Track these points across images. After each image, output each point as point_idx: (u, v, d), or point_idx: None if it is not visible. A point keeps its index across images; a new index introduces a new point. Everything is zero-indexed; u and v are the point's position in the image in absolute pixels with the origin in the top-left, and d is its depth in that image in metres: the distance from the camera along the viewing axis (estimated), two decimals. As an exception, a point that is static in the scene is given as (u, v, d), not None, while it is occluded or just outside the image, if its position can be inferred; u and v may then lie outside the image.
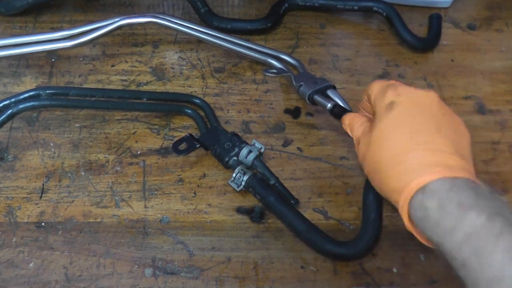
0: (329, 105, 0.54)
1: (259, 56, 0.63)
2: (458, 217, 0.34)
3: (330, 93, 0.57)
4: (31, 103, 0.54)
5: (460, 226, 0.33)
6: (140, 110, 0.60)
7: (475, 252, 0.32)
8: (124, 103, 0.59)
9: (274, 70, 0.60)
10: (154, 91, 0.63)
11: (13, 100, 0.55)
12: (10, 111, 0.53)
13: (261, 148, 0.54)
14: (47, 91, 0.57)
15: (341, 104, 0.55)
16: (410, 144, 0.39)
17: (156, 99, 0.61)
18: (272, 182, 0.52)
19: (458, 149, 0.39)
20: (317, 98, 0.56)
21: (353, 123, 0.48)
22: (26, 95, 0.56)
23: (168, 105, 0.61)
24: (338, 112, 0.53)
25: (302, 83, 0.58)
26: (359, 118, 0.48)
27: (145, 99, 0.60)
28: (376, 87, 0.46)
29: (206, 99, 0.62)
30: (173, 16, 0.65)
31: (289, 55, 0.64)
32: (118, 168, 0.56)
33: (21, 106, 0.54)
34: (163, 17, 0.64)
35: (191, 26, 0.64)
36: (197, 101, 0.60)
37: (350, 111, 0.52)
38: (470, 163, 0.40)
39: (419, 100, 0.42)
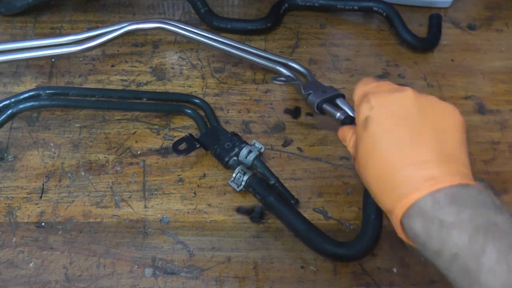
0: (338, 115, 0.53)
1: (268, 64, 0.62)
2: (442, 239, 0.33)
3: (339, 102, 0.55)
4: (31, 103, 0.54)
5: (446, 248, 0.33)
6: (140, 110, 0.60)
7: (462, 273, 0.32)
8: (124, 103, 0.59)
9: (283, 78, 0.59)
10: (154, 91, 0.63)
11: (13, 100, 0.56)
12: (10, 111, 0.53)
13: (261, 148, 0.54)
14: (47, 91, 0.57)
15: (350, 113, 0.53)
16: (390, 162, 0.38)
17: (156, 99, 0.61)
18: (272, 182, 0.52)
19: (443, 149, 0.38)
20: (326, 107, 0.55)
21: (344, 136, 0.47)
22: (26, 95, 0.56)
23: (168, 105, 0.61)
24: (348, 123, 0.51)
25: (310, 92, 0.57)
26: (349, 131, 0.47)
27: (145, 99, 0.60)
28: (356, 95, 0.44)
29: (206, 99, 0.62)
30: (180, 22, 0.65)
31: (298, 63, 0.63)
32: (118, 168, 0.56)
33: (21, 106, 0.54)
34: (171, 23, 0.63)
35: (199, 33, 0.64)
36: (197, 101, 0.60)
37: None
38: (458, 159, 0.38)
39: (393, 107, 0.40)
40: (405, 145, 0.38)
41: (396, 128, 0.39)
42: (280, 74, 0.62)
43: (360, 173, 0.41)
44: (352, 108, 0.54)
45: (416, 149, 0.37)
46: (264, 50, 0.64)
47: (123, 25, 0.63)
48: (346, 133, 0.47)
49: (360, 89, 0.45)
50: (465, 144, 0.39)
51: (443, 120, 0.39)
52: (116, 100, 0.59)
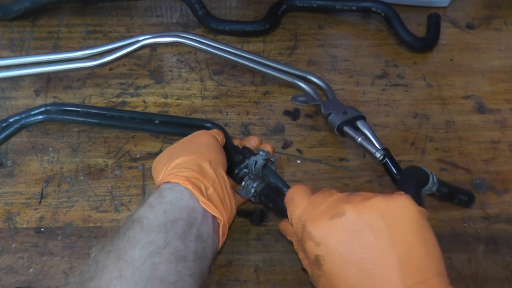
0: (359, 140, 0.52)
1: (287, 78, 0.62)
2: None
3: (359, 124, 0.54)
4: (40, 117, 0.53)
5: None
6: (152, 132, 0.58)
7: None
8: (135, 123, 0.56)
9: (303, 98, 0.57)
10: (166, 114, 0.60)
11: (23, 116, 0.54)
12: (18, 125, 0.53)
13: (265, 155, 0.50)
14: (57, 108, 0.55)
15: (371, 137, 0.53)
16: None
17: (169, 122, 0.57)
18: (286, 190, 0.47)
19: (411, 268, 0.34)
20: (347, 130, 0.54)
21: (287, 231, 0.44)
22: (36, 111, 0.54)
23: (181, 127, 0.56)
24: (386, 157, 0.51)
25: (331, 112, 0.56)
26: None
27: (157, 121, 0.56)
28: (294, 223, 0.40)
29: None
30: (197, 35, 0.63)
31: (318, 77, 0.63)
32: (118, 172, 0.55)
33: (30, 120, 0.53)
34: (187, 36, 0.62)
35: (216, 46, 0.62)
36: (209, 125, 0.56)
37: (380, 145, 0.51)
38: (426, 271, 0.34)
39: (338, 235, 0.36)
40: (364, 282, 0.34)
41: (350, 269, 0.35)
42: (300, 92, 0.61)
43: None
44: (373, 132, 0.53)
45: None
46: (283, 64, 0.63)
47: (139, 39, 0.62)
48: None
49: (295, 215, 0.40)
50: (428, 245, 0.35)
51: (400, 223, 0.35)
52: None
